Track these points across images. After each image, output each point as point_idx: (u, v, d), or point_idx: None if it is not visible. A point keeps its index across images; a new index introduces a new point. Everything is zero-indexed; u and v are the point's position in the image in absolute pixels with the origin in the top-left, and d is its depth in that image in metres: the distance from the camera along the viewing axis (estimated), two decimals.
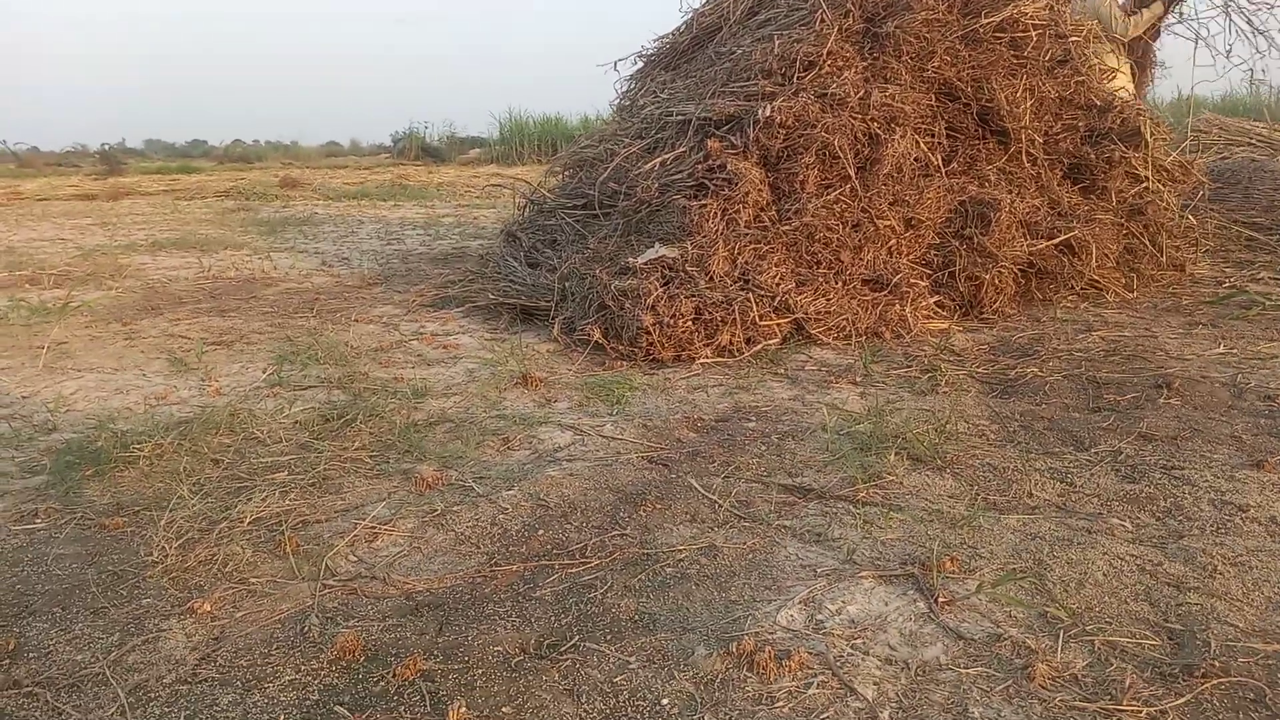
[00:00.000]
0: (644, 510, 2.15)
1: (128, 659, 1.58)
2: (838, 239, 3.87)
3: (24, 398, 3.22)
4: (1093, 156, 4.57)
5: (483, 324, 4.36)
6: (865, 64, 4.25)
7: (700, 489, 2.26)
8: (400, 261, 6.55)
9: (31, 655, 1.58)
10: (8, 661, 1.55)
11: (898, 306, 3.84)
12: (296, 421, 2.88)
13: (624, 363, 3.55)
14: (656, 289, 3.58)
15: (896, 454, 2.42)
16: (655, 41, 5.41)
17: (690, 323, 3.53)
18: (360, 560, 1.94)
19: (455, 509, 2.20)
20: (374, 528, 2.08)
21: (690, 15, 5.53)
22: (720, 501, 2.18)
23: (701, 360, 3.51)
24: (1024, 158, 4.44)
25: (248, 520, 2.09)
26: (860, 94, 4.06)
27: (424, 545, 2.01)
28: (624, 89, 5.49)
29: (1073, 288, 4.31)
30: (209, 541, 1.99)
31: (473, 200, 12.58)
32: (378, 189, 14.66)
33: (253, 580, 1.84)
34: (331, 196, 13.73)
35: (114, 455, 2.51)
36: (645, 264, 3.72)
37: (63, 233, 9.07)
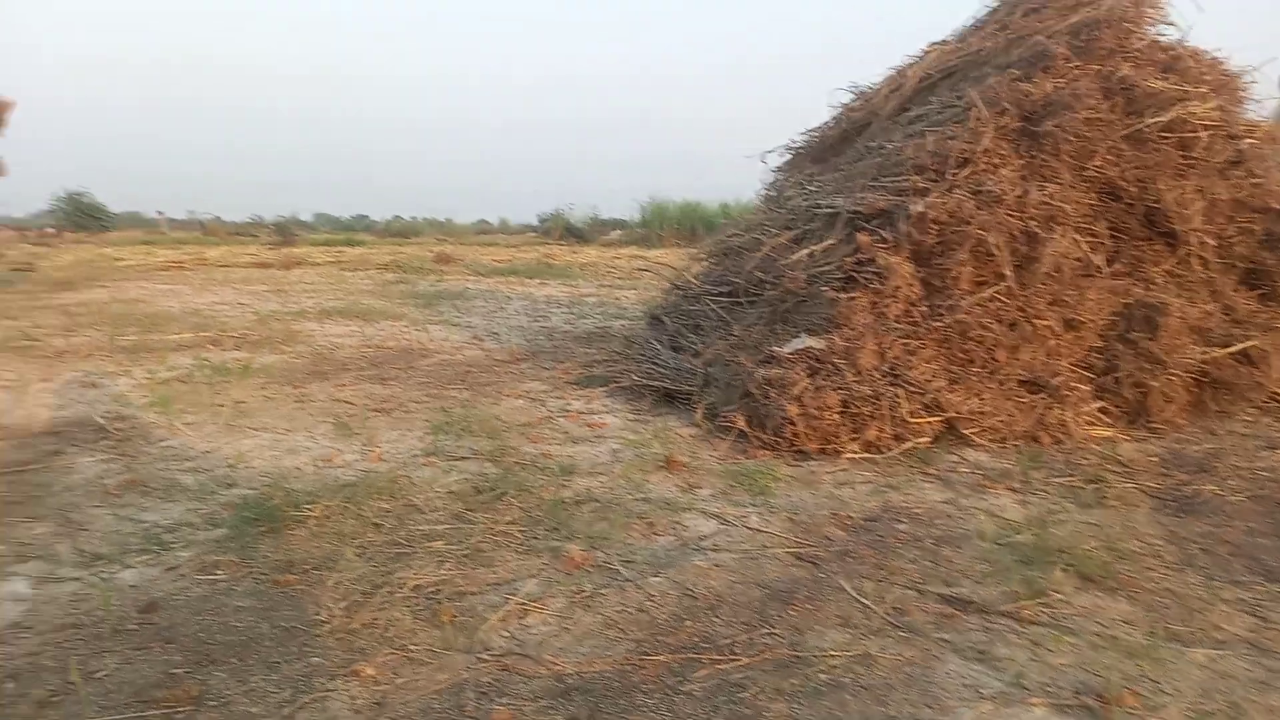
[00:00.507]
0: (793, 609, 2.11)
1: (298, 716, 1.66)
2: (993, 337, 3.77)
3: (206, 452, 3.48)
4: (1271, 262, 4.32)
5: (626, 404, 4.44)
6: (1022, 162, 4.19)
7: (852, 592, 2.21)
8: (546, 338, 6.77)
9: (212, 704, 1.68)
10: (192, 707, 1.66)
11: (1057, 410, 3.68)
12: (451, 491, 2.99)
13: (767, 452, 3.54)
14: (802, 380, 3.57)
15: (1063, 570, 2.30)
16: (803, 135, 5.50)
17: (836, 416, 3.49)
18: (512, 636, 1.99)
19: (603, 591, 2.22)
20: (525, 604, 2.13)
21: (839, 110, 5.62)
22: (874, 607, 2.12)
23: (848, 455, 3.46)
24: (1194, 261, 4.23)
25: (408, 587, 2.18)
26: (1017, 192, 3.99)
27: (573, 626, 2.04)
28: (770, 180, 5.58)
29: (1252, 400, 4.03)
30: (372, 605, 2.09)
31: (615, 280, 12.91)
32: (525, 266, 15.26)
33: (412, 648, 1.91)
34: (482, 272, 14.38)
35: (286, 514, 2.68)
36: (791, 354, 3.72)
37: (241, 298, 9.83)
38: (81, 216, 34.89)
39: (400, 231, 38.24)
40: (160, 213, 37.95)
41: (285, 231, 33.52)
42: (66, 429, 3.78)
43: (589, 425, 4.00)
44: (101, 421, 3.86)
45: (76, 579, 2.24)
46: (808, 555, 2.49)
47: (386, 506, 2.81)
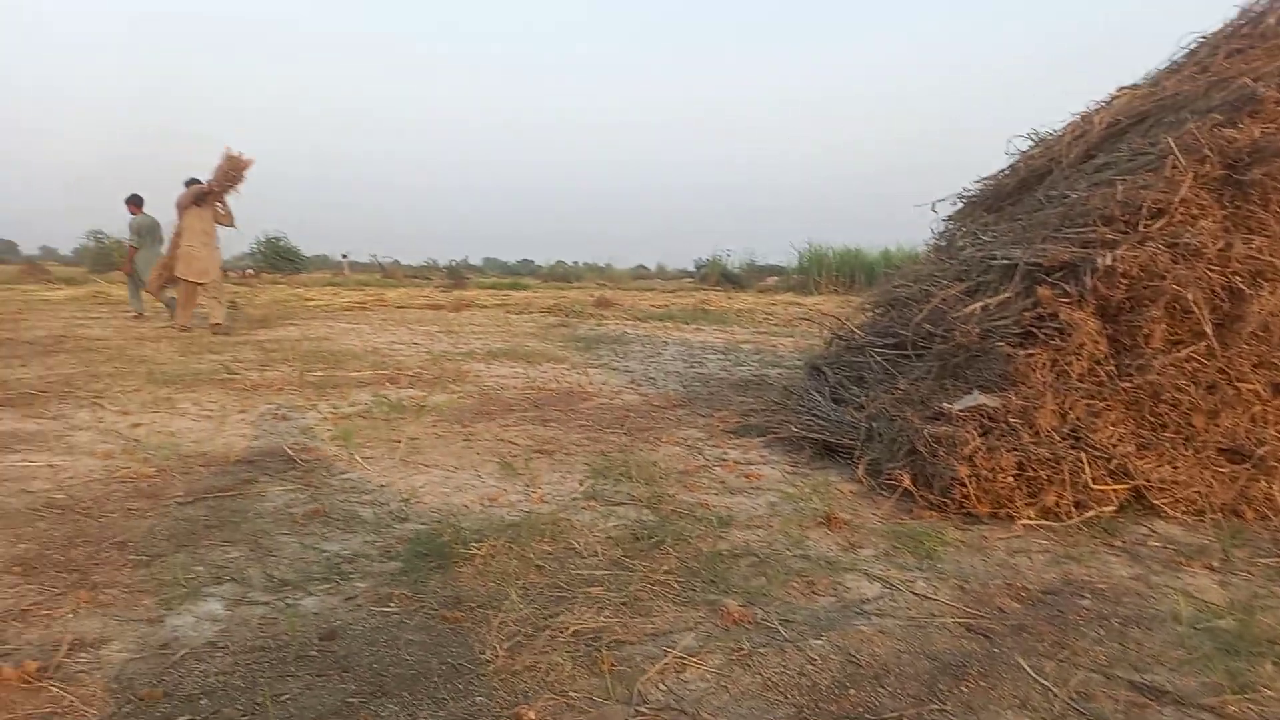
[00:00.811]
0: (965, 685, 1.99)
1: None
2: (1189, 401, 3.48)
3: (382, 486, 3.66)
4: None
5: (784, 456, 4.37)
6: (1224, 213, 3.87)
7: (1030, 671, 2.07)
8: (702, 385, 6.79)
9: None
10: None
11: (1263, 483, 3.35)
12: (610, 537, 3.02)
13: (934, 513, 3.39)
14: (974, 439, 3.40)
15: (1274, 664, 2.07)
16: (977, 183, 5.31)
17: (1011, 478, 3.31)
18: (670, 691, 1.97)
19: (762, 650, 2.17)
20: (683, 658, 2.11)
21: (1017, 157, 5.40)
22: (1055, 690, 1.97)
23: (1023, 521, 3.26)
24: None
25: (569, 632, 2.21)
26: (1219, 245, 3.69)
27: (731, 685, 2.00)
28: (940, 229, 5.41)
29: None
30: (534, 648, 2.12)
31: (771, 327, 12.83)
32: (681, 312, 15.43)
33: (572, 694, 1.92)
34: (640, 317, 14.63)
35: (455, 551, 2.78)
36: (962, 411, 3.56)
37: (416, 338, 10.39)
38: (277, 259, 38.03)
39: (562, 276, 39.56)
40: (344, 256, 40.98)
41: (456, 275, 35.36)
42: (260, 458, 4.07)
43: (746, 476, 3.96)
44: (290, 453, 4.14)
45: (265, 603, 2.39)
46: (980, 627, 2.36)
47: (548, 549, 2.86)
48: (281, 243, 39.48)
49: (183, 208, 10.41)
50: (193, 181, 10.53)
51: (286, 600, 2.41)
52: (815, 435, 4.38)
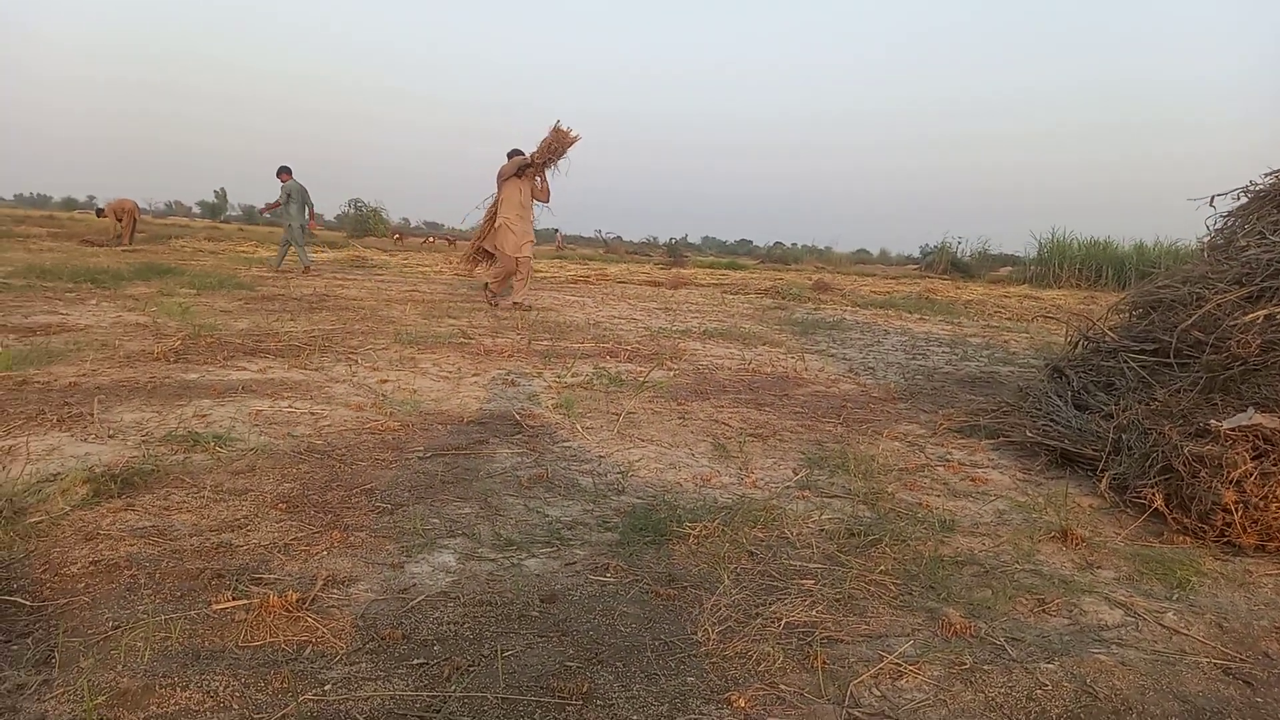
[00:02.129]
0: None
1: None
2: None
3: (600, 457, 3.77)
4: None
5: (1015, 461, 4.10)
6: None
7: None
8: (925, 379, 6.49)
9: (599, 704, 1.79)
10: (581, 703, 1.78)
11: None
12: (823, 529, 2.95)
13: (1187, 539, 3.06)
14: (1245, 462, 3.03)
15: None
16: (1268, 175, 4.69)
17: None
18: (884, 697, 1.89)
19: (985, 668, 2.05)
20: (899, 665, 2.02)
21: None
22: None
23: None
24: None
25: (781, 623, 2.18)
26: None
27: (950, 700, 1.90)
28: (1219, 225, 4.83)
29: None
30: (746, 635, 2.11)
31: (1002, 322, 12.09)
32: (904, 300, 14.84)
33: (783, 687, 1.89)
34: (859, 303, 14.22)
35: (669, 529, 2.81)
36: (1233, 430, 3.18)
37: (635, 313, 10.64)
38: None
39: (780, 258, 39.14)
40: (558, 231, 42.68)
41: (675, 252, 35.91)
42: (490, 420, 4.32)
43: (972, 479, 3.75)
44: (518, 417, 4.36)
45: (493, 560, 2.53)
46: (1240, 672, 2.10)
47: (760, 536, 2.84)
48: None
49: (504, 179, 10.03)
50: (515, 152, 10.17)
51: (511, 559, 2.54)
52: (1052, 442, 4.06)
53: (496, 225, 10.03)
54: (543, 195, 10.16)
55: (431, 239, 45.32)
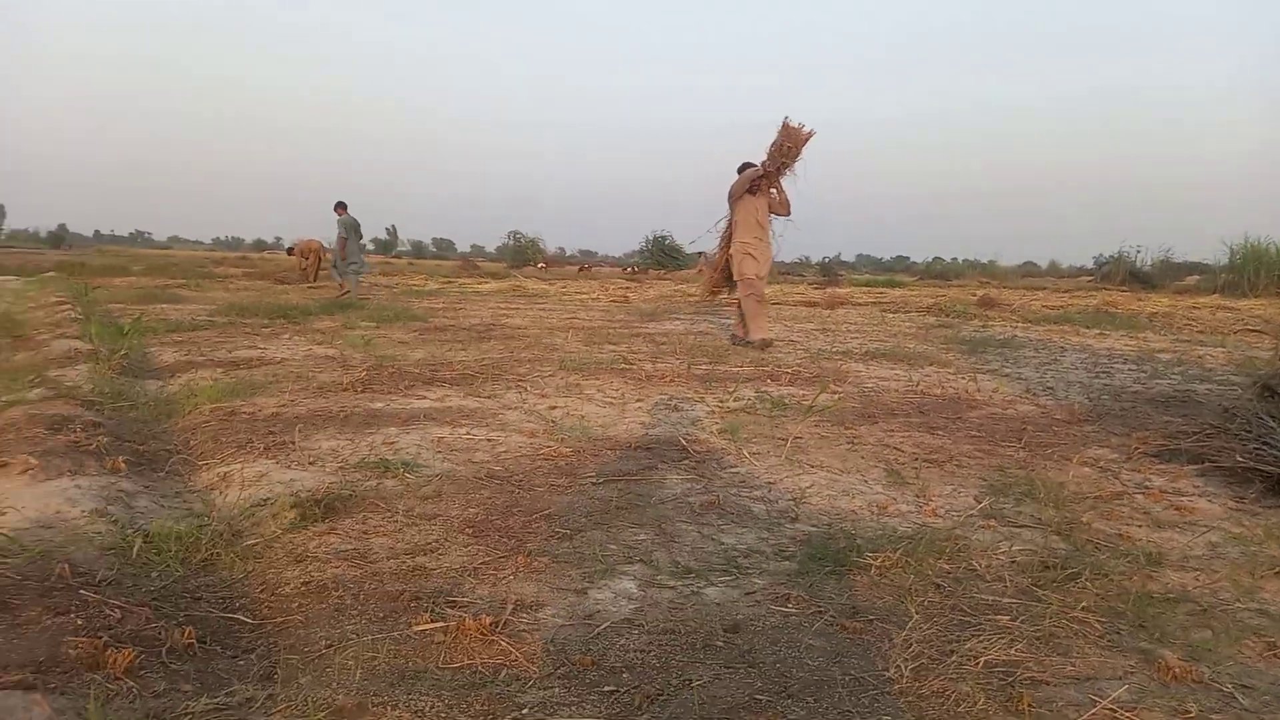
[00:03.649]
0: None
1: None
2: None
3: (770, 484, 3.73)
4: None
5: (1224, 488, 3.77)
6: None
7: None
8: (1112, 399, 6.08)
9: None
10: None
11: None
12: (1014, 562, 2.80)
13: None
14: None
15: None
16: None
17: None
18: None
19: (1214, 718, 1.87)
20: (1115, 710, 1.88)
21: None
22: None
23: None
24: None
25: (979, 662, 2.07)
26: None
27: None
28: None
29: None
30: (941, 673, 2.02)
31: (1194, 335, 11.19)
32: (1080, 314, 14.00)
33: None
34: (1030, 319, 13.53)
35: (849, 559, 2.74)
36: None
37: (793, 335, 10.51)
38: (663, 256, 40.72)
39: (940, 273, 37.78)
40: (701, 254, 42.44)
41: (829, 271, 35.31)
42: (657, 446, 4.35)
43: (1176, 508, 3.47)
44: (684, 443, 4.37)
45: (672, 587, 2.54)
46: None
47: (946, 567, 2.72)
48: (667, 241, 42.20)
49: (735, 198, 8.88)
50: (745, 166, 8.93)
51: (691, 587, 2.54)
52: (1268, 467, 3.71)
53: (733, 251, 8.89)
54: (782, 208, 8.89)
55: (587, 266, 46.51)
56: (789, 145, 8.43)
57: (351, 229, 16.50)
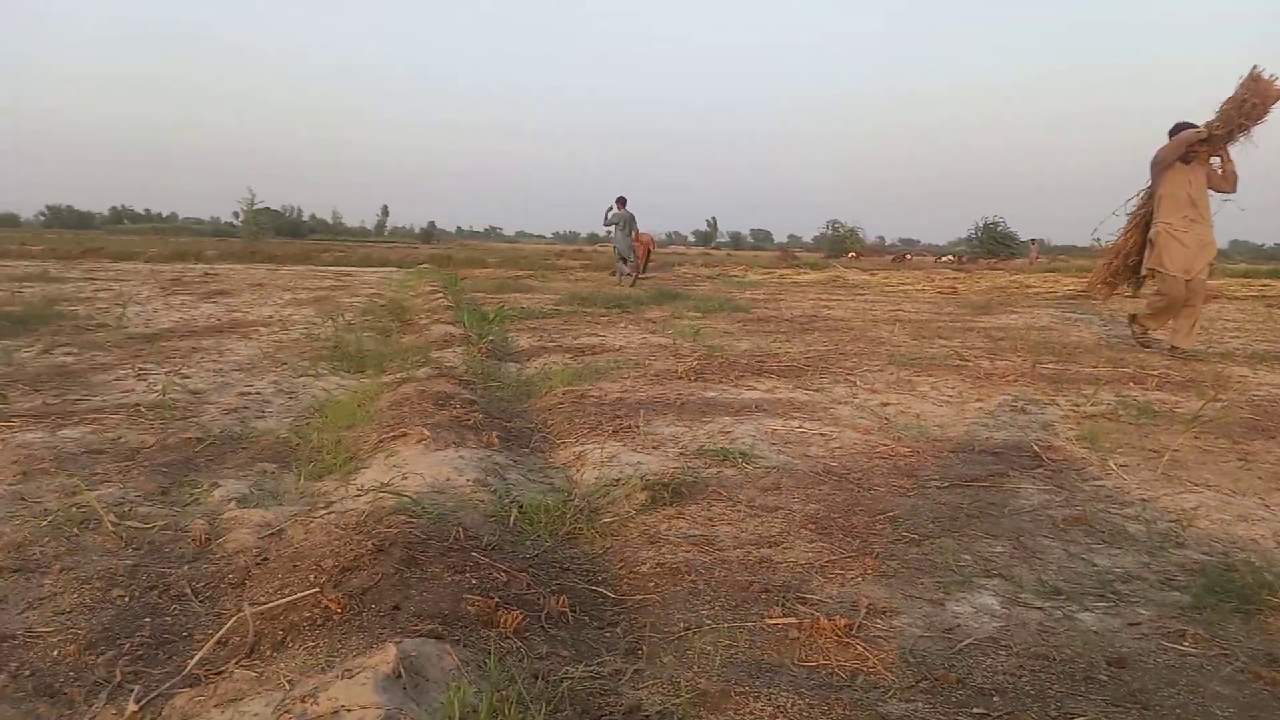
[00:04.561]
0: None
1: None
2: None
3: (1144, 501, 3.33)
4: None
5: None
6: None
7: None
8: None
9: None
10: None
11: None
12: None
13: None
14: None
15: None
16: None
17: None
18: None
19: None
20: None
21: None
22: None
23: None
24: None
25: None
26: None
27: None
28: None
29: None
30: None
31: None
32: None
33: None
34: None
35: (1258, 596, 2.36)
36: None
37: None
38: (994, 244, 38.13)
39: None
40: (1034, 241, 38.87)
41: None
42: (1004, 451, 4.05)
43: None
44: (1036, 449, 4.03)
45: (1040, 608, 2.34)
46: None
47: None
48: (999, 228, 39.48)
49: (1162, 166, 7.18)
50: (1181, 127, 7.22)
51: (1061, 610, 2.32)
52: None
53: (1152, 234, 7.22)
54: (1225, 183, 7.13)
55: (908, 255, 44.74)
56: (1254, 102, 6.70)
57: (627, 222, 17.57)
